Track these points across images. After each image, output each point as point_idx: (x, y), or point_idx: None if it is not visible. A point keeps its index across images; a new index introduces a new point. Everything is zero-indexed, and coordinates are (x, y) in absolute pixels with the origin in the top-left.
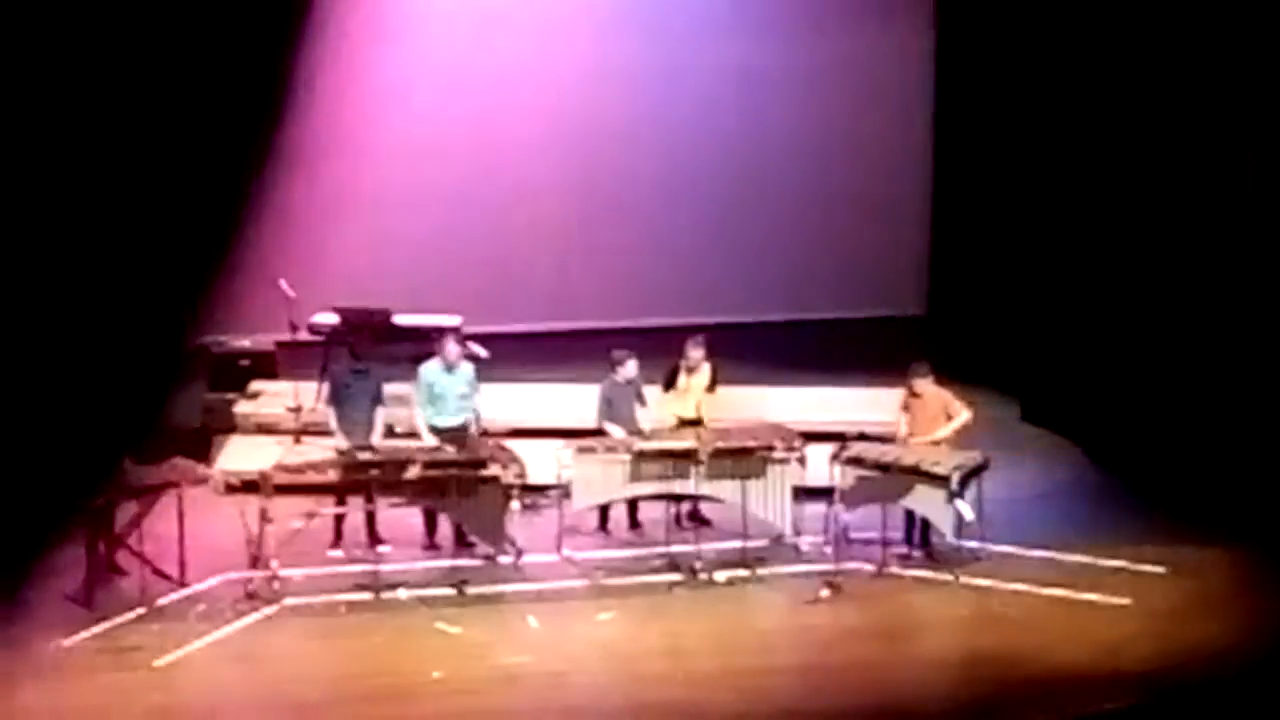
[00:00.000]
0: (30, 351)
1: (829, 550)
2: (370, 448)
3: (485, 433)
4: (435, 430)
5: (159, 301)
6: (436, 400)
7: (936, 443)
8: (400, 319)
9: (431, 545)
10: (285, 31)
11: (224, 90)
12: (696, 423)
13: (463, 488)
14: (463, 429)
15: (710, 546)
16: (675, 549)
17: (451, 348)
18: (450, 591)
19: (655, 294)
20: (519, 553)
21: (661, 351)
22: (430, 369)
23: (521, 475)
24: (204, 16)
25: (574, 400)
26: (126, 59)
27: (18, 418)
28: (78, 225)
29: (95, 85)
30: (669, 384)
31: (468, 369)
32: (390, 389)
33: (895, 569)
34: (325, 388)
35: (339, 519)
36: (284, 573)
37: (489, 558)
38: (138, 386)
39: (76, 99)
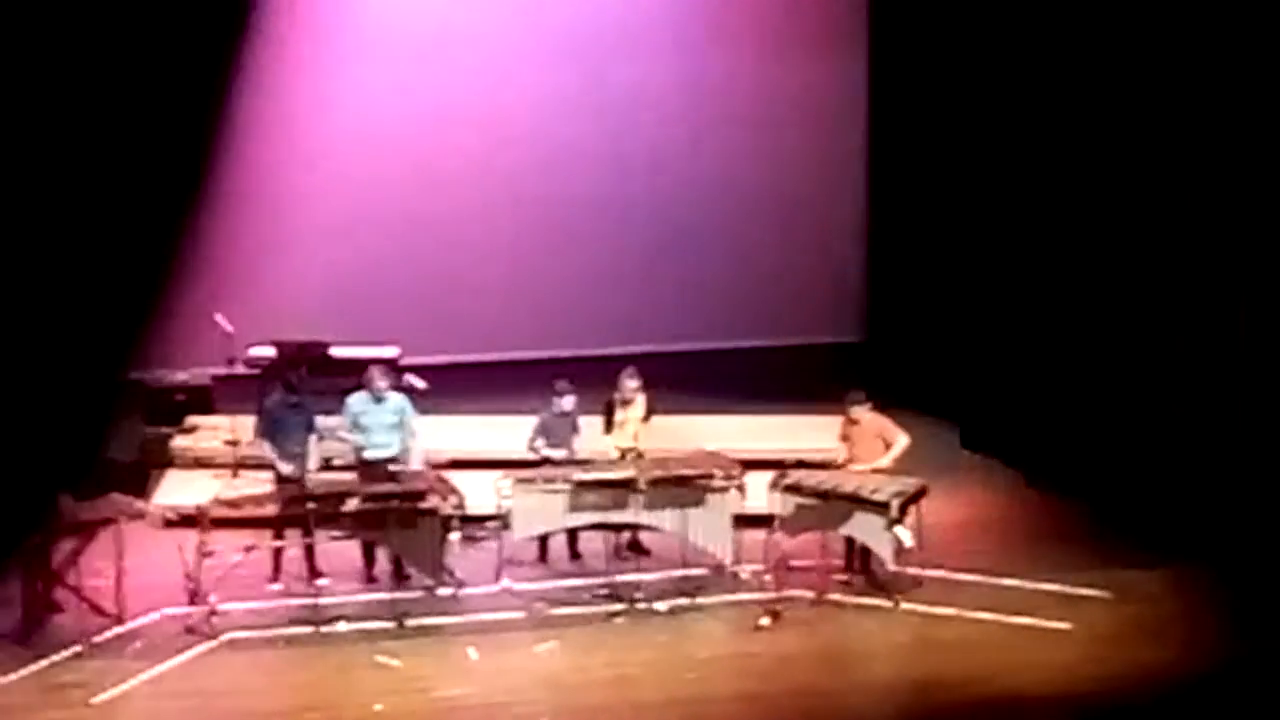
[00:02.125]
0: None
1: (769, 578)
2: (305, 478)
3: (426, 464)
4: (365, 463)
5: (94, 336)
6: (364, 431)
7: (879, 470)
8: (337, 351)
9: (371, 578)
10: (219, 62)
11: (158, 121)
12: (632, 454)
13: (401, 520)
14: (392, 461)
15: (651, 576)
16: (616, 579)
17: (378, 380)
18: (390, 624)
19: (593, 323)
20: (459, 584)
21: (599, 381)
22: (357, 400)
23: (460, 507)
24: (137, 45)
25: (512, 431)
26: (58, 88)
27: None
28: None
29: (25, 114)
30: (609, 418)
31: (398, 400)
32: (327, 421)
33: (835, 596)
34: (259, 421)
35: (278, 552)
36: (223, 607)
37: (428, 589)
38: (74, 422)
39: (6, 130)
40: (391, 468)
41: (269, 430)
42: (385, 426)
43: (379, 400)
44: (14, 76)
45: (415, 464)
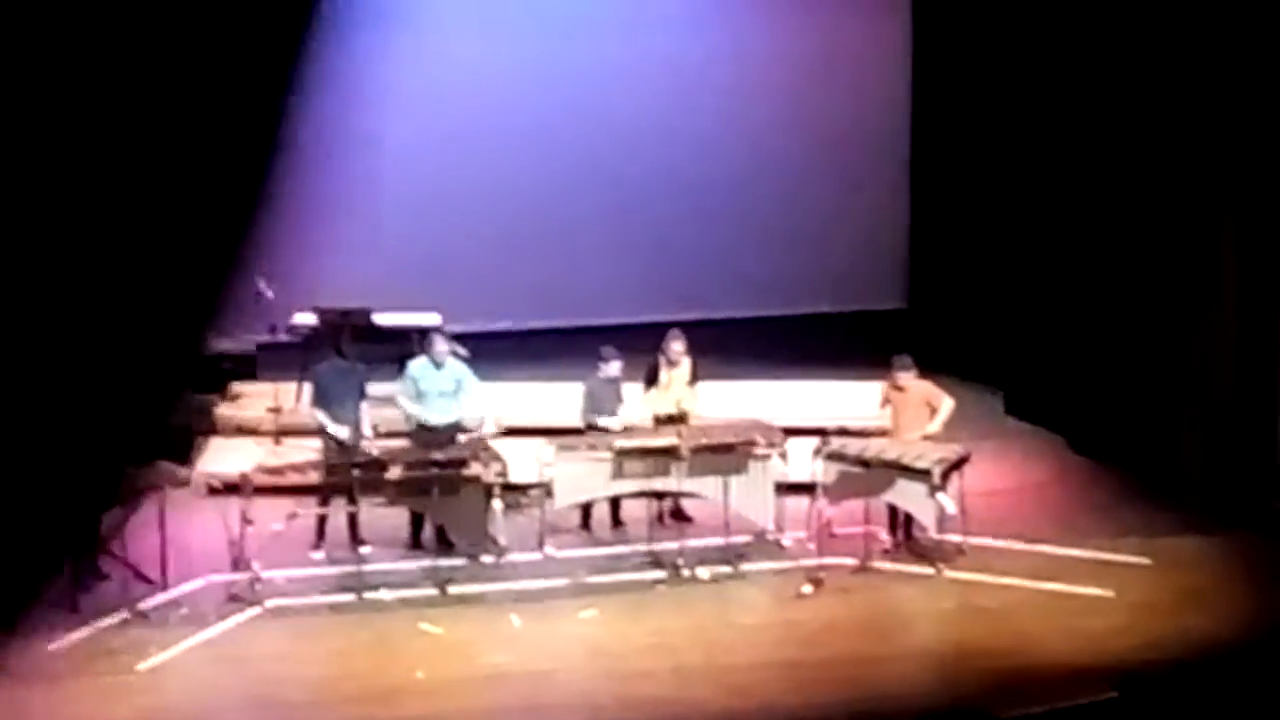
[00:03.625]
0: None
1: (812, 546)
2: (361, 440)
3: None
4: (424, 429)
5: (153, 306)
6: (421, 398)
7: (928, 437)
8: (380, 319)
9: (417, 545)
10: (271, 35)
11: (205, 91)
12: (679, 418)
13: (445, 487)
14: (452, 428)
15: (693, 543)
16: (658, 546)
17: (440, 345)
18: (433, 591)
19: (636, 291)
20: (501, 552)
21: (642, 348)
22: (418, 366)
23: (503, 474)
24: (191, 25)
25: (555, 399)
26: (106, 67)
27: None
28: (49, 232)
29: (82, 91)
30: (651, 380)
31: (458, 367)
32: (380, 388)
33: (878, 564)
34: (309, 388)
35: (321, 520)
36: (266, 574)
37: (471, 557)
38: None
39: (64, 103)
40: (455, 434)
41: (319, 398)
42: (443, 393)
43: (438, 366)
44: (63, 48)
45: (489, 426)
